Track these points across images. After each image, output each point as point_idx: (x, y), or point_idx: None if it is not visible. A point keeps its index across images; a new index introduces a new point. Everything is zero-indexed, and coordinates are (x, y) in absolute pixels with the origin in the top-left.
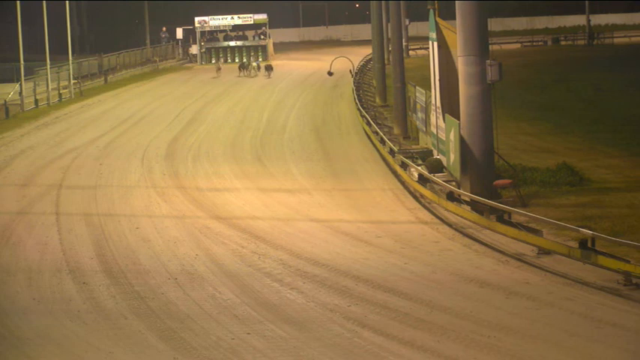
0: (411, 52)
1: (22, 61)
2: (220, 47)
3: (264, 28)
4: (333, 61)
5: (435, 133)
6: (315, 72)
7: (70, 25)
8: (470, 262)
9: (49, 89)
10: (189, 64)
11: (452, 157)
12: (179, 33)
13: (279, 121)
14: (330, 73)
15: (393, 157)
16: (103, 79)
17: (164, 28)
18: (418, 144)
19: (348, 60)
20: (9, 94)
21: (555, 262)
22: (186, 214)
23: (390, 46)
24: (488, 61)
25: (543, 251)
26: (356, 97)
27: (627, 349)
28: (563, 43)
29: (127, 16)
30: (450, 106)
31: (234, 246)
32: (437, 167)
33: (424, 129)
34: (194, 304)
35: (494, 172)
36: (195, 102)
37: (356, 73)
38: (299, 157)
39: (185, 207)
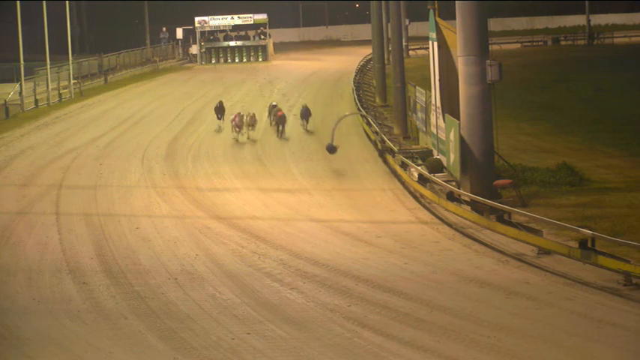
0: (411, 52)
1: (22, 61)
2: (220, 47)
3: (262, 28)
4: (335, 128)
5: (435, 133)
6: (315, 72)
7: (70, 25)
8: (470, 262)
9: (49, 89)
10: (189, 64)
11: (452, 157)
12: (179, 33)
13: None
14: (331, 148)
15: (393, 157)
16: (103, 79)
17: (164, 29)
18: (418, 144)
19: (358, 109)
20: (9, 94)
21: (555, 262)
22: (186, 214)
23: (390, 46)
24: (488, 61)
25: (543, 251)
26: (356, 97)
27: (627, 349)
28: (563, 43)
29: (127, 16)
30: (450, 106)
31: (234, 246)
32: (437, 167)
33: (424, 129)
34: (194, 304)
35: (494, 172)
36: (195, 102)
37: (356, 73)
38: (299, 157)
39: (185, 207)
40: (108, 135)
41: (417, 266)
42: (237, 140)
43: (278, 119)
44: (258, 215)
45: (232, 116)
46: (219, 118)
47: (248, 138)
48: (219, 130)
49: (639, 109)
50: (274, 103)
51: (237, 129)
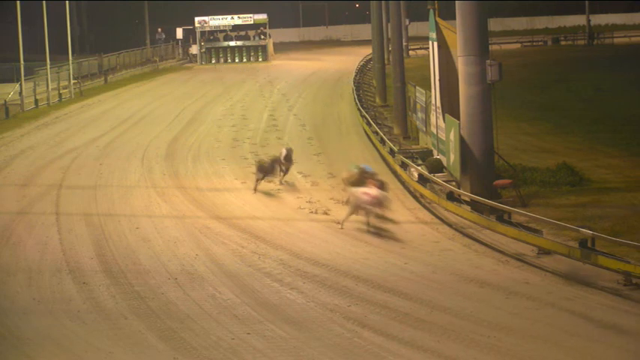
0: (411, 52)
1: (22, 61)
2: (220, 47)
3: (262, 28)
4: None
5: (435, 133)
6: (315, 72)
7: (70, 25)
8: (470, 262)
9: (49, 89)
10: (189, 64)
11: (452, 157)
12: (179, 33)
13: (279, 121)
14: None
15: (393, 157)
16: (103, 79)
17: (160, 29)
18: (418, 144)
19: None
20: (9, 94)
21: (555, 262)
22: (186, 214)
23: (390, 46)
24: (488, 61)
25: (543, 251)
26: (356, 97)
27: (627, 349)
28: (563, 43)
29: (127, 16)
30: (450, 106)
31: (234, 246)
32: (437, 167)
33: (424, 129)
34: (194, 304)
35: (494, 172)
36: (195, 102)
37: (356, 73)
38: (299, 157)
39: (185, 207)
40: (108, 135)
41: (417, 266)
42: (365, 230)
43: (373, 202)
44: (258, 215)
45: (363, 192)
46: (261, 179)
47: (369, 225)
48: (255, 191)
49: (639, 109)
50: (288, 148)
51: (369, 209)
